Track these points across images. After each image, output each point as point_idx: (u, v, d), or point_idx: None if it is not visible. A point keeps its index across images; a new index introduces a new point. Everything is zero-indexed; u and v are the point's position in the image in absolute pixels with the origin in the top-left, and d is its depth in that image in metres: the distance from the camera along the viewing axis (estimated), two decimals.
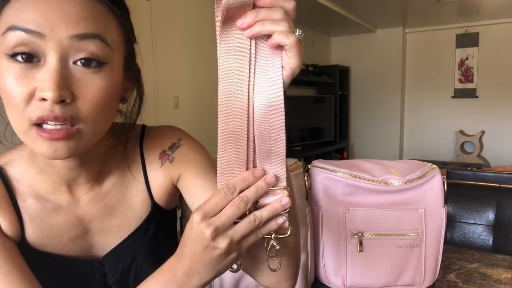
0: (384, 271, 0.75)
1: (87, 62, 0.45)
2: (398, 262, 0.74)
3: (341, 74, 5.52)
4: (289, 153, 4.28)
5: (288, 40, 0.40)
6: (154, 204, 0.61)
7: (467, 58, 5.19)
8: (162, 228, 0.63)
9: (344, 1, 4.12)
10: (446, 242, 0.98)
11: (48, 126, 0.43)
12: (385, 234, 0.73)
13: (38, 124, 0.43)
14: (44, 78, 0.42)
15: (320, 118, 5.08)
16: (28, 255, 0.53)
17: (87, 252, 0.58)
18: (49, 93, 0.41)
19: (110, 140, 0.58)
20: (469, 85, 5.22)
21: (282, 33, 0.40)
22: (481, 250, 1.00)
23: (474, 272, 0.84)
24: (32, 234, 0.54)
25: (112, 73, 0.47)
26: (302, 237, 0.72)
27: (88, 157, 0.54)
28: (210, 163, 0.61)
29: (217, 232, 0.41)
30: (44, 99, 0.42)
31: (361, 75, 5.75)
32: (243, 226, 0.42)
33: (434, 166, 0.78)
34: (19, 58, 0.43)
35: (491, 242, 1.24)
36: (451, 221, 1.30)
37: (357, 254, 0.74)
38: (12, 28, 0.42)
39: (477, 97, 5.19)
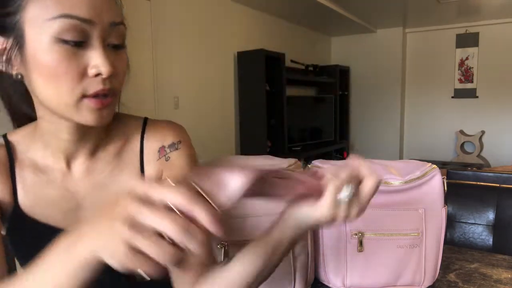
0: (384, 271, 0.74)
1: (115, 46, 0.52)
2: (398, 262, 0.74)
3: (341, 74, 5.52)
4: (289, 153, 4.29)
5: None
6: None
7: (467, 58, 5.19)
8: None
9: (344, 1, 4.12)
10: (446, 242, 0.98)
11: (99, 97, 0.50)
12: (385, 234, 0.73)
13: (89, 96, 0.50)
14: (98, 57, 0.49)
15: (320, 118, 5.07)
16: (21, 220, 0.56)
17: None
18: (104, 69, 0.48)
19: None
20: (469, 85, 5.21)
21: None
22: (481, 250, 1.00)
23: (474, 272, 0.84)
24: (25, 200, 0.58)
25: (126, 54, 0.55)
26: (302, 237, 0.72)
27: (88, 131, 0.58)
28: None
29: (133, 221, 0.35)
30: (98, 75, 0.49)
31: (361, 75, 5.75)
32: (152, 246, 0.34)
33: (434, 166, 0.78)
34: (70, 42, 0.47)
35: (491, 242, 1.24)
36: (451, 221, 1.30)
37: (357, 254, 0.74)
38: (66, 16, 0.47)
39: (477, 97, 5.18)
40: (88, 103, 0.50)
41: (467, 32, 5.13)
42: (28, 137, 0.60)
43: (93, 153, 0.60)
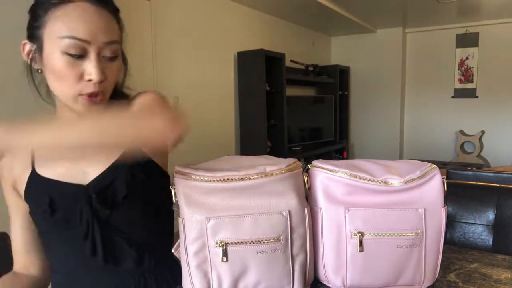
0: (384, 271, 0.74)
1: (109, 58, 0.71)
2: (398, 262, 0.74)
3: (341, 74, 5.52)
4: (289, 153, 4.29)
5: None
6: None
7: (467, 58, 5.19)
8: (137, 165, 0.77)
9: (344, 1, 4.12)
10: (446, 242, 0.98)
11: (91, 97, 0.70)
12: (385, 234, 0.73)
13: (84, 95, 0.69)
14: (92, 67, 0.68)
15: (320, 118, 5.07)
16: (34, 180, 0.74)
17: (77, 179, 0.74)
18: (95, 77, 0.68)
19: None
20: (469, 85, 5.22)
21: None
22: (481, 250, 1.00)
23: (474, 272, 0.84)
24: (40, 162, 0.76)
25: (119, 62, 0.74)
26: (301, 237, 0.72)
27: None
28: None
29: None
30: (90, 80, 0.68)
31: (361, 75, 5.75)
32: None
33: (434, 166, 0.78)
34: (72, 55, 0.67)
35: (491, 242, 1.24)
36: (451, 221, 1.30)
37: (357, 254, 0.73)
38: (70, 37, 0.66)
39: (477, 97, 5.19)
40: (82, 100, 0.70)
41: (467, 32, 5.14)
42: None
43: None
